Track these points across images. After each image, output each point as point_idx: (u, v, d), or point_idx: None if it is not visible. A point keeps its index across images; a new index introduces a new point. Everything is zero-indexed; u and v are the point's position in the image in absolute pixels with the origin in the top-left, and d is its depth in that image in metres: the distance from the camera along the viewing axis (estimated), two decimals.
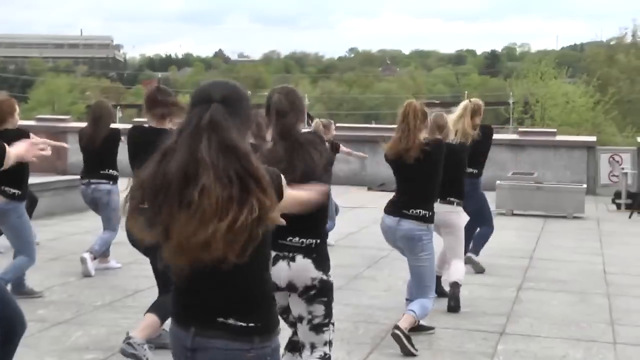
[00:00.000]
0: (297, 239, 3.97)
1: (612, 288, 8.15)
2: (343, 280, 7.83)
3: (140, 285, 7.54)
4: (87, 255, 8.17)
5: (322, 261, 4.01)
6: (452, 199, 6.88)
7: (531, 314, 7.04)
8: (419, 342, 5.91)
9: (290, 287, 3.98)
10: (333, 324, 4.08)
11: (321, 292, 3.99)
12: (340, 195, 12.93)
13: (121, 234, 9.10)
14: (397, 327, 5.75)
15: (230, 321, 2.67)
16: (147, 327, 5.39)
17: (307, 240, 3.98)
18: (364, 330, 6.38)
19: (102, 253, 8.38)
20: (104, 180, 8.32)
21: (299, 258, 3.97)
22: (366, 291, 7.73)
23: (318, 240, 4.01)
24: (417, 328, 6.17)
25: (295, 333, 4.21)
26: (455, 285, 7.01)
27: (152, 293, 6.21)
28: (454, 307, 6.96)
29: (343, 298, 7.00)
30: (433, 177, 5.84)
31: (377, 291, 7.77)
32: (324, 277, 3.99)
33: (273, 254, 3.94)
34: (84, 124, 9.39)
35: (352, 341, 6.05)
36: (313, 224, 3.91)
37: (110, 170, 8.36)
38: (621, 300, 7.62)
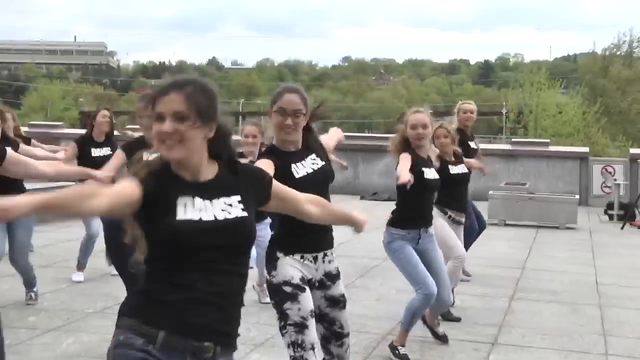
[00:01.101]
0: None
1: (604, 299, 8.16)
2: None
3: None
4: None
5: (269, 258, 3.91)
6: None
7: (523, 324, 7.04)
8: (411, 353, 5.91)
9: None
10: (292, 325, 3.79)
11: (270, 293, 3.90)
12: (333, 204, 12.88)
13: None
14: (390, 344, 5.98)
15: None
16: None
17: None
18: (356, 340, 6.35)
19: (82, 259, 8.46)
20: None
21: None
22: (358, 300, 7.71)
23: (274, 234, 3.99)
24: (431, 328, 6.36)
25: None
26: None
27: None
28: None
29: None
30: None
31: (369, 300, 7.76)
32: (268, 277, 3.90)
33: None
34: (77, 131, 9.40)
35: None
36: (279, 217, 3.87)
37: None
38: (613, 312, 7.63)
